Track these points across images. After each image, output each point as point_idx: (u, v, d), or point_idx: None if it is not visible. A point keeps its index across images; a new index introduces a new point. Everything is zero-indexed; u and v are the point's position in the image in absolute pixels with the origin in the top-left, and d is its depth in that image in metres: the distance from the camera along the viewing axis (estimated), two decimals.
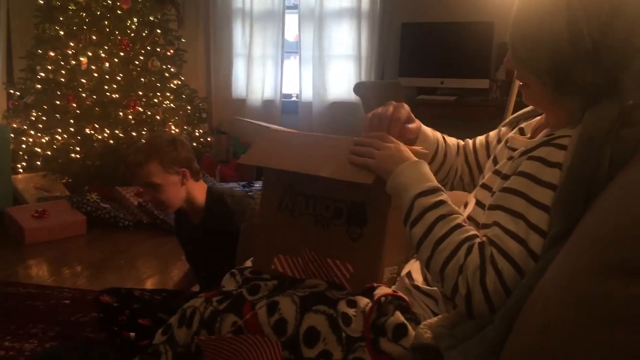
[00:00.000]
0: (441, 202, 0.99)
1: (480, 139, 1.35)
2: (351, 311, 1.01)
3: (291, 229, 1.23)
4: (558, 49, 0.93)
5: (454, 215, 0.98)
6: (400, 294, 1.05)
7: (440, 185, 1.03)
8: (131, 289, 2.02)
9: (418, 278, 1.13)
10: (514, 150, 1.07)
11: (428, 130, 1.30)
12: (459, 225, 0.96)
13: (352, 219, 1.15)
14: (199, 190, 1.93)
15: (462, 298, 0.91)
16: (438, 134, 1.33)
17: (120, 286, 2.10)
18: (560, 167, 0.91)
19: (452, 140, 1.36)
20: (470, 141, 1.37)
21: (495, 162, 1.17)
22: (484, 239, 0.94)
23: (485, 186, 1.10)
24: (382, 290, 1.05)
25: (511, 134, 1.19)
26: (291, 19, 4.77)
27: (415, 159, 1.07)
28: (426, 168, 1.06)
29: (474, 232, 0.96)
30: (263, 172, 1.34)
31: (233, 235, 1.80)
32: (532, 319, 0.76)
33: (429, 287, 1.10)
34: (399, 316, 1.01)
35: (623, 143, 0.88)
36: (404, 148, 1.10)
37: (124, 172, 1.91)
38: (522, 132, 1.17)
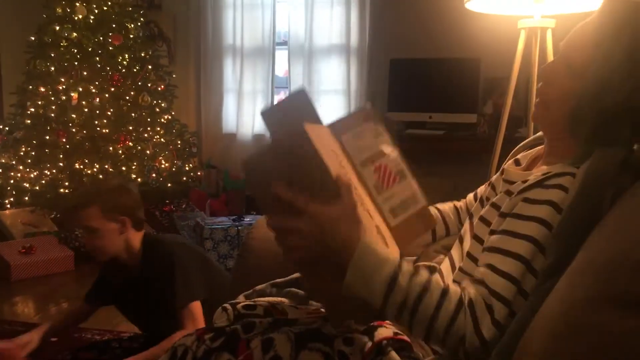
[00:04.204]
0: (407, 288, 0.89)
1: (471, 195, 1.34)
2: (348, 349, 1.00)
3: None
4: (603, 100, 0.90)
5: (423, 293, 0.89)
6: (402, 336, 1.03)
7: (392, 271, 0.89)
8: (109, 340, 2.00)
9: None
10: (510, 183, 1.06)
11: None
12: (439, 305, 0.88)
13: None
14: (138, 240, 1.88)
15: (462, 353, 0.89)
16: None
17: (99, 338, 2.04)
18: (551, 203, 0.91)
19: (445, 207, 1.35)
20: (464, 200, 1.36)
21: (494, 189, 1.15)
22: (472, 290, 0.91)
23: (483, 219, 1.07)
24: (384, 332, 1.03)
25: (506, 164, 1.18)
26: (281, 55, 4.84)
27: (350, 243, 0.90)
28: (370, 256, 0.90)
29: (454, 295, 0.90)
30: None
31: (173, 270, 1.76)
32: (529, 351, 0.76)
33: None
34: (394, 356, 0.99)
35: (620, 187, 0.87)
36: (334, 225, 0.90)
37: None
38: (518, 163, 1.16)
